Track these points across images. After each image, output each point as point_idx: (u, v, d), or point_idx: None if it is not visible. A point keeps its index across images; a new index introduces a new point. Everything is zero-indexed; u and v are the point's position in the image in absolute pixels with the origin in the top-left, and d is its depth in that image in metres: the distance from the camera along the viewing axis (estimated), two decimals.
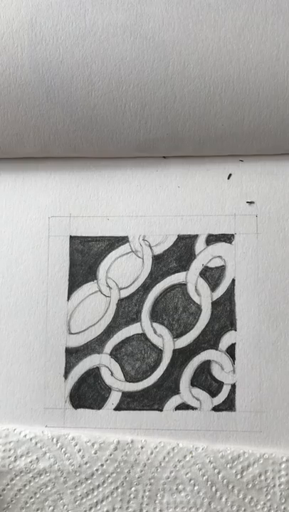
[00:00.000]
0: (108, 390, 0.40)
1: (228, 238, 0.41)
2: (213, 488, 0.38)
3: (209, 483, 0.38)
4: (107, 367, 0.40)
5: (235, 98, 0.39)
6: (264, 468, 0.38)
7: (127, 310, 0.41)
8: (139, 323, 0.41)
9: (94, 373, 0.40)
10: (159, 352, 0.40)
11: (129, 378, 0.40)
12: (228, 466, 0.38)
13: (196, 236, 0.41)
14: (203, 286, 0.41)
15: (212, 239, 0.41)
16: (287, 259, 0.41)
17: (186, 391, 0.40)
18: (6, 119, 0.40)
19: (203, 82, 0.39)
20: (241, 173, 0.42)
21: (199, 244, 0.41)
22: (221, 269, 0.41)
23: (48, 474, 0.38)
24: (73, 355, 0.41)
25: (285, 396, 0.39)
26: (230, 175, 0.42)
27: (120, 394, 0.40)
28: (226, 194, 0.42)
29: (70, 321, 0.41)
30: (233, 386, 0.40)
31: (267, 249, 0.41)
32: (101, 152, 0.42)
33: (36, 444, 0.39)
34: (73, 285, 0.41)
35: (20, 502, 0.38)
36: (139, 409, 0.40)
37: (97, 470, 0.38)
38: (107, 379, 0.40)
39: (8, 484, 0.38)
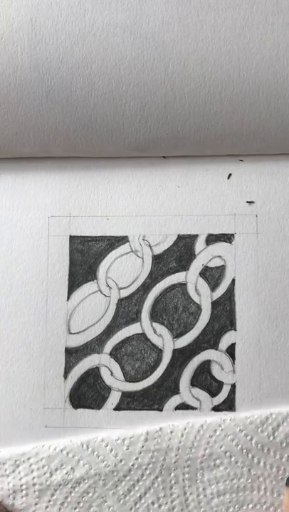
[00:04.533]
0: (108, 389, 0.40)
1: (228, 238, 0.41)
2: (250, 455, 0.38)
3: (244, 451, 0.38)
4: (107, 367, 0.40)
5: (235, 98, 0.39)
6: None
7: (126, 310, 0.41)
8: (139, 323, 0.41)
9: (94, 373, 0.40)
10: (159, 352, 0.40)
11: (129, 378, 0.40)
12: (259, 430, 0.38)
13: (196, 236, 0.41)
14: (203, 286, 0.41)
15: (212, 239, 0.41)
16: (287, 259, 0.41)
17: (186, 391, 0.40)
18: (5, 119, 0.40)
19: (203, 82, 0.39)
20: (241, 173, 0.42)
21: (199, 244, 0.41)
22: (221, 269, 0.41)
23: (86, 481, 0.38)
24: (73, 355, 0.41)
25: (285, 396, 0.39)
26: (230, 175, 0.42)
27: (120, 394, 0.40)
28: (225, 194, 0.42)
29: (69, 321, 0.41)
30: (233, 386, 0.40)
31: (267, 249, 0.41)
32: (101, 152, 0.42)
33: (68, 454, 0.39)
34: (73, 285, 0.41)
35: None
36: (139, 409, 0.40)
37: (133, 465, 0.38)
38: (107, 379, 0.40)
39: (50, 501, 0.38)
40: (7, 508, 0.38)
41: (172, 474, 0.38)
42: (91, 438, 0.39)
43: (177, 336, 0.40)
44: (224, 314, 0.40)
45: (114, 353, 0.40)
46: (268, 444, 0.38)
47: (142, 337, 0.41)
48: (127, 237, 0.42)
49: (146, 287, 0.41)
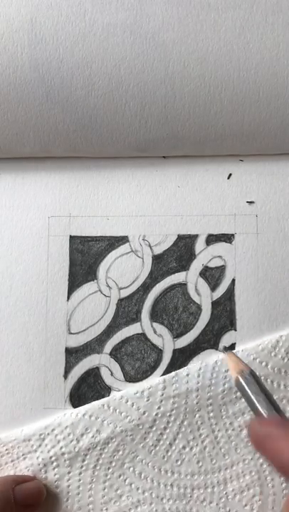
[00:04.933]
0: (108, 389, 0.40)
1: (228, 238, 0.41)
2: (268, 381, 0.38)
3: (262, 377, 0.38)
4: (107, 367, 0.40)
5: (235, 98, 0.39)
6: None
7: (126, 310, 0.41)
8: (139, 323, 0.41)
9: (94, 373, 0.40)
10: (159, 352, 0.40)
11: (129, 378, 0.40)
12: (272, 354, 0.38)
13: (196, 236, 0.41)
14: (203, 286, 0.41)
15: (212, 239, 0.41)
16: (287, 259, 0.41)
17: None
18: (5, 119, 0.40)
19: (203, 82, 0.39)
20: (241, 173, 0.42)
21: (199, 244, 0.41)
22: (221, 269, 0.41)
23: (114, 440, 0.39)
24: (73, 355, 0.41)
25: None
26: (230, 175, 0.42)
27: None
28: (226, 194, 0.42)
29: (69, 321, 0.41)
30: None
31: (267, 249, 0.41)
32: (101, 152, 0.42)
33: (90, 417, 0.39)
34: (73, 285, 0.41)
35: (101, 477, 0.38)
36: None
37: (156, 414, 0.39)
38: (107, 379, 0.40)
39: (82, 467, 0.38)
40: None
41: (197, 415, 0.38)
42: (110, 398, 0.39)
43: (177, 336, 0.40)
44: (224, 314, 0.40)
45: (114, 353, 0.40)
46: (284, 365, 0.38)
47: (142, 337, 0.41)
48: (127, 237, 0.42)
49: (146, 287, 0.41)
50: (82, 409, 0.39)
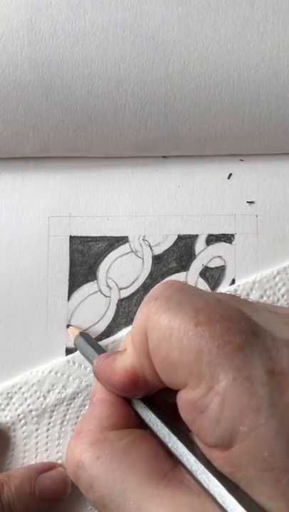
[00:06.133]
0: None
1: (228, 238, 0.41)
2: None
3: None
4: None
5: (235, 98, 0.39)
6: None
7: (127, 310, 0.41)
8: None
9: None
10: None
11: None
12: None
13: (196, 236, 0.41)
14: (204, 286, 0.41)
15: (212, 239, 0.41)
16: (287, 259, 0.41)
17: None
18: (5, 119, 0.40)
19: (203, 81, 0.39)
20: (241, 173, 0.42)
21: (199, 244, 0.41)
22: (221, 269, 0.41)
23: (80, 395, 0.39)
24: None
25: None
26: (230, 175, 0.42)
27: None
28: (226, 194, 0.42)
29: (70, 321, 0.41)
30: None
31: (267, 249, 0.41)
32: (101, 152, 0.42)
33: (56, 374, 0.39)
34: (73, 285, 0.41)
35: (69, 432, 0.39)
36: None
37: None
38: None
39: (49, 423, 0.39)
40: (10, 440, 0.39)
41: None
42: (76, 354, 0.39)
43: None
44: None
45: None
46: None
47: None
48: (127, 237, 0.42)
49: (146, 287, 0.41)
50: (48, 366, 0.39)
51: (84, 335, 0.39)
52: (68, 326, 0.40)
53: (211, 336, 0.23)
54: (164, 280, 0.27)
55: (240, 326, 0.24)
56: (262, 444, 0.22)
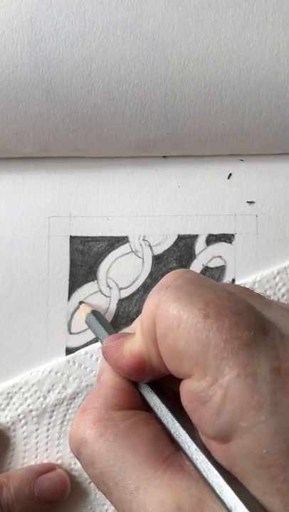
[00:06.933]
0: None
1: (228, 238, 0.41)
2: None
3: None
4: None
5: (235, 98, 0.39)
6: None
7: (127, 310, 0.41)
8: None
9: None
10: None
11: None
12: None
13: (196, 236, 0.41)
14: None
15: (212, 239, 0.41)
16: (287, 259, 0.41)
17: None
18: (5, 119, 0.40)
19: (203, 81, 0.39)
20: (241, 173, 0.42)
21: (199, 244, 0.41)
22: (221, 269, 0.41)
23: (80, 395, 0.39)
24: None
25: None
26: (230, 175, 0.42)
27: None
28: (226, 194, 0.42)
29: (70, 321, 0.41)
30: None
31: (267, 249, 0.41)
32: (101, 152, 0.42)
33: (56, 374, 0.39)
34: (74, 285, 0.41)
35: (69, 432, 0.39)
36: None
37: None
38: None
39: (49, 423, 0.39)
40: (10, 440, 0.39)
41: None
42: (76, 354, 0.39)
43: None
44: None
45: None
46: None
47: None
48: (127, 237, 0.42)
49: (146, 287, 0.41)
50: (48, 366, 0.39)
51: (96, 313, 0.39)
52: (81, 302, 0.40)
53: (219, 330, 0.23)
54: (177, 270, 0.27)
55: (249, 322, 0.24)
56: (261, 441, 0.22)
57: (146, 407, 0.29)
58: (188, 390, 0.24)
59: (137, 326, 0.29)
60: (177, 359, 0.25)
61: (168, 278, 0.28)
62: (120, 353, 0.29)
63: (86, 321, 0.39)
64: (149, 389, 0.29)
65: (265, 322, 0.25)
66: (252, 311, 0.25)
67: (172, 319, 0.25)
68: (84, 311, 0.40)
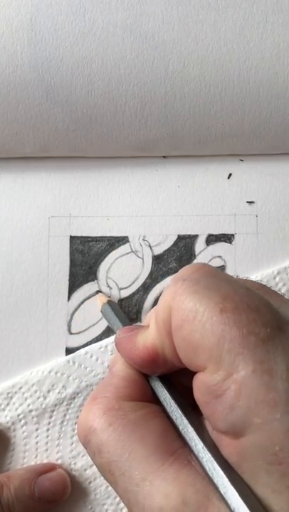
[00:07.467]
0: None
1: (228, 238, 0.41)
2: None
3: None
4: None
5: (235, 98, 0.39)
6: None
7: (127, 310, 0.41)
8: (139, 324, 0.41)
9: None
10: None
11: None
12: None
13: (196, 236, 0.41)
14: None
15: (212, 239, 0.41)
16: (287, 259, 0.41)
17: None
18: (5, 119, 0.40)
19: (203, 81, 0.39)
20: (241, 173, 0.42)
21: (199, 244, 0.41)
22: (221, 269, 0.41)
23: (80, 395, 0.39)
24: None
25: None
26: (230, 175, 0.42)
27: None
28: (226, 194, 0.42)
29: (70, 321, 0.41)
30: None
31: (267, 249, 0.41)
32: (101, 152, 0.42)
33: (56, 374, 0.39)
34: (73, 285, 0.41)
35: (68, 432, 0.39)
36: None
37: None
38: None
39: (49, 423, 0.39)
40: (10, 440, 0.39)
41: None
42: (76, 354, 0.39)
43: None
44: None
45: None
46: None
47: None
48: (127, 237, 0.42)
49: (146, 287, 0.41)
50: (48, 366, 0.39)
51: (111, 303, 0.39)
52: (98, 291, 0.40)
53: (236, 325, 0.23)
54: (194, 263, 0.27)
55: (266, 319, 0.24)
56: (274, 438, 0.22)
57: (156, 401, 0.29)
58: (201, 383, 0.24)
59: (151, 318, 0.29)
60: (192, 351, 0.25)
61: (185, 271, 0.28)
62: (133, 344, 0.29)
63: (101, 311, 0.39)
64: (160, 383, 0.29)
65: (282, 320, 0.25)
66: (269, 308, 0.25)
67: (188, 311, 0.25)
68: (100, 301, 0.40)
